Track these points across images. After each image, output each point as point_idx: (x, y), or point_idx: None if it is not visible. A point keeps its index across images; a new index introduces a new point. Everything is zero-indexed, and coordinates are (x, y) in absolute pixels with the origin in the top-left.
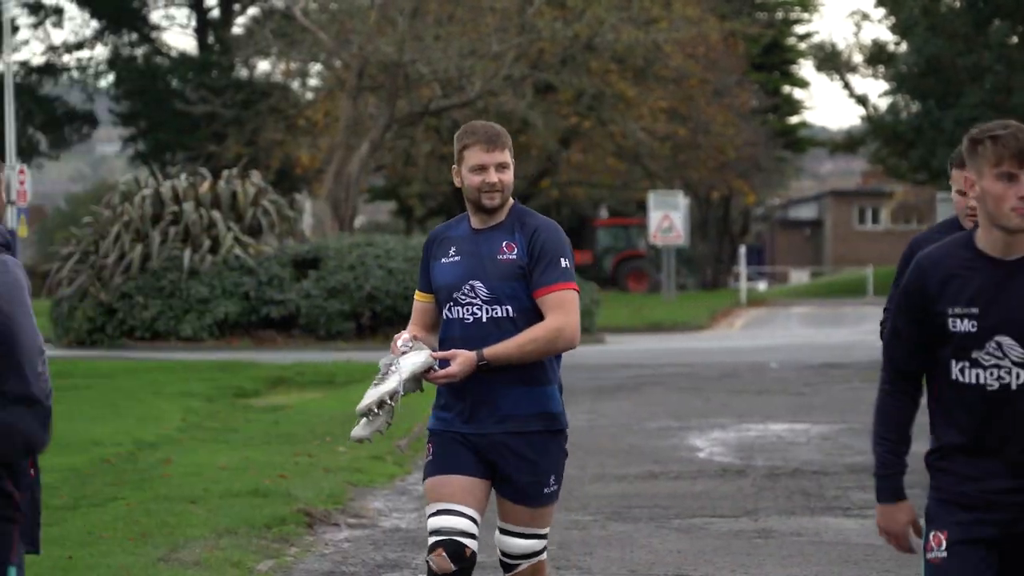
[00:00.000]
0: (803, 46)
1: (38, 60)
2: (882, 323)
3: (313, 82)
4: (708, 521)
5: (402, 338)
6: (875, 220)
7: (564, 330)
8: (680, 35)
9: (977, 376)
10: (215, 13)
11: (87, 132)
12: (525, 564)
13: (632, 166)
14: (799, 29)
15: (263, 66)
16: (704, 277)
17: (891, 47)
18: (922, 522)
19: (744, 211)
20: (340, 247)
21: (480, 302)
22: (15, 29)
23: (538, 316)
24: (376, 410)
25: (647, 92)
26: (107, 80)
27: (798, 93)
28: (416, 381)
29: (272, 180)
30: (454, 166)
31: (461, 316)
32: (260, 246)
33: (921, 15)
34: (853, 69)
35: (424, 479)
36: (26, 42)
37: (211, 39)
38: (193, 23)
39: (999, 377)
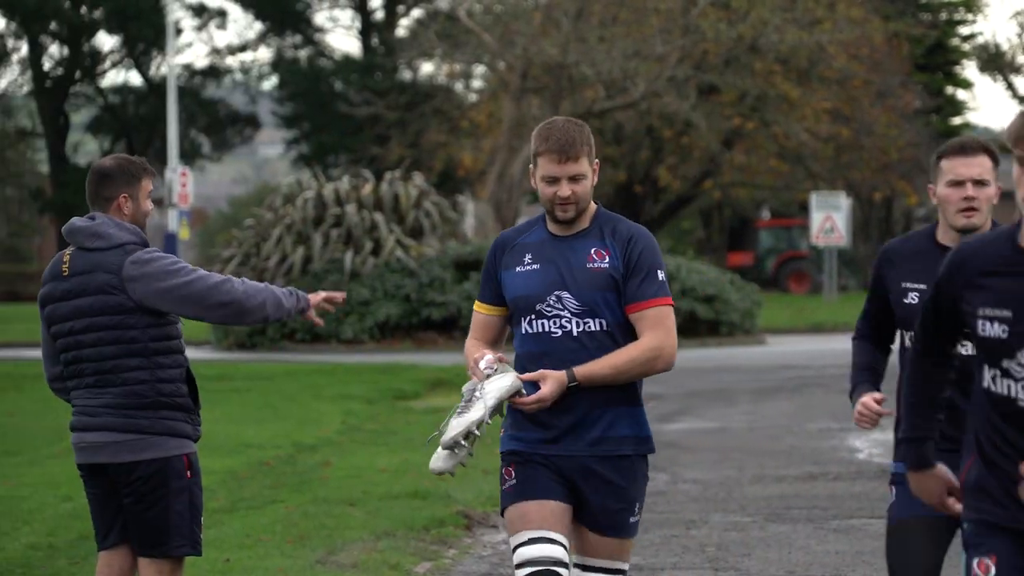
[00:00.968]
0: (967, 47)
1: (202, 63)
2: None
3: (477, 84)
4: (866, 522)
5: (485, 359)
6: None
7: (663, 350)
8: (844, 36)
9: (1009, 388)
10: (379, 15)
11: (249, 134)
12: None
13: (794, 167)
14: (963, 30)
15: (427, 68)
16: (866, 278)
17: None
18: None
19: (906, 212)
20: None
21: (569, 314)
22: (179, 32)
23: (632, 330)
24: (463, 442)
25: (810, 93)
26: (270, 82)
27: (961, 94)
28: (500, 406)
29: (435, 182)
30: (530, 165)
31: (547, 330)
32: (422, 248)
33: None
34: (1017, 70)
35: (505, 506)
36: (190, 44)
37: (375, 41)
38: (357, 25)
39: None
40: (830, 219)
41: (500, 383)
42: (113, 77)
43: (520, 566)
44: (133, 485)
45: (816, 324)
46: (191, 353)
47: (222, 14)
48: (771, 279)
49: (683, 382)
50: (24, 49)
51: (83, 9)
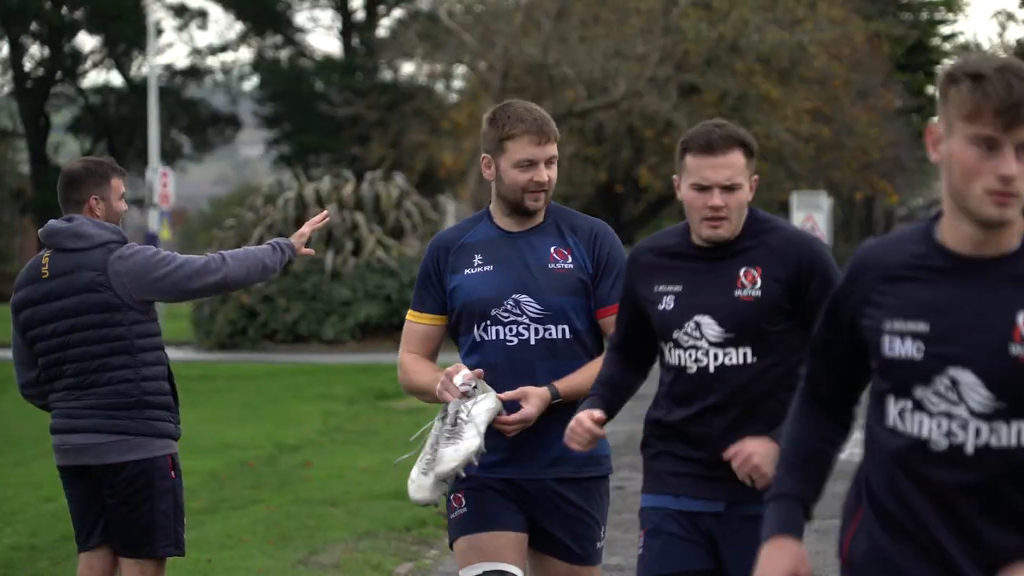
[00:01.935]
0: (948, 47)
1: (182, 63)
2: None
3: (457, 84)
4: None
5: (461, 375)
6: None
7: None
8: (825, 36)
9: (920, 425)
10: (360, 15)
11: (230, 135)
12: None
13: (775, 167)
14: (944, 30)
15: (407, 68)
16: None
17: None
18: None
19: (887, 211)
20: None
21: (528, 320)
22: (159, 32)
23: (596, 338)
24: (462, 472)
25: (791, 93)
26: (251, 83)
27: None
28: None
29: (416, 182)
30: (483, 155)
31: (502, 337)
32: (403, 248)
33: None
34: None
35: (454, 537)
36: (171, 45)
37: (355, 41)
38: (338, 25)
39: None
40: (811, 219)
41: (487, 404)
42: (94, 77)
43: None
44: (118, 486)
45: None
46: (172, 353)
47: (203, 14)
48: None
49: None
50: (5, 49)
51: (64, 9)
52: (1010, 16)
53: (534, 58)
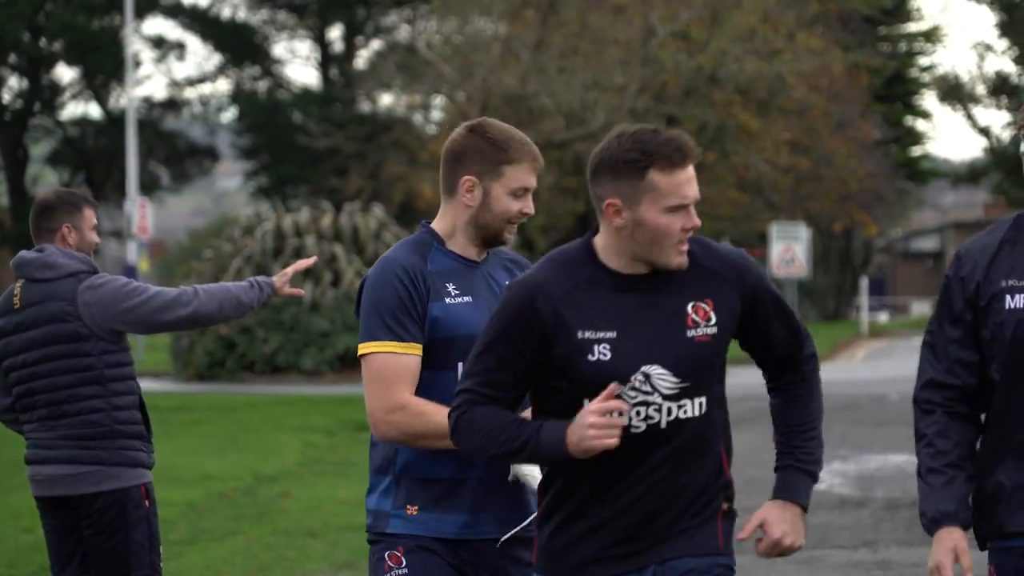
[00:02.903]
0: (926, 78)
1: (161, 95)
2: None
3: (436, 115)
4: (827, 553)
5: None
6: None
7: None
8: (803, 67)
9: None
10: (338, 47)
11: (208, 166)
12: None
13: (754, 198)
14: (923, 61)
15: (386, 100)
16: (826, 309)
17: (1014, 78)
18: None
19: (866, 243)
20: None
21: None
22: (138, 64)
23: None
24: (527, 479)
25: (770, 124)
26: (229, 114)
27: (921, 125)
28: None
29: (394, 213)
30: (467, 177)
31: None
32: None
33: None
34: (976, 100)
35: None
36: (149, 77)
37: (334, 73)
38: (316, 57)
39: None
40: (790, 250)
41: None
42: (72, 109)
43: None
44: (93, 517)
45: None
46: (151, 384)
47: (181, 46)
48: None
49: None
50: None
51: (42, 41)
52: (988, 47)
53: (513, 89)
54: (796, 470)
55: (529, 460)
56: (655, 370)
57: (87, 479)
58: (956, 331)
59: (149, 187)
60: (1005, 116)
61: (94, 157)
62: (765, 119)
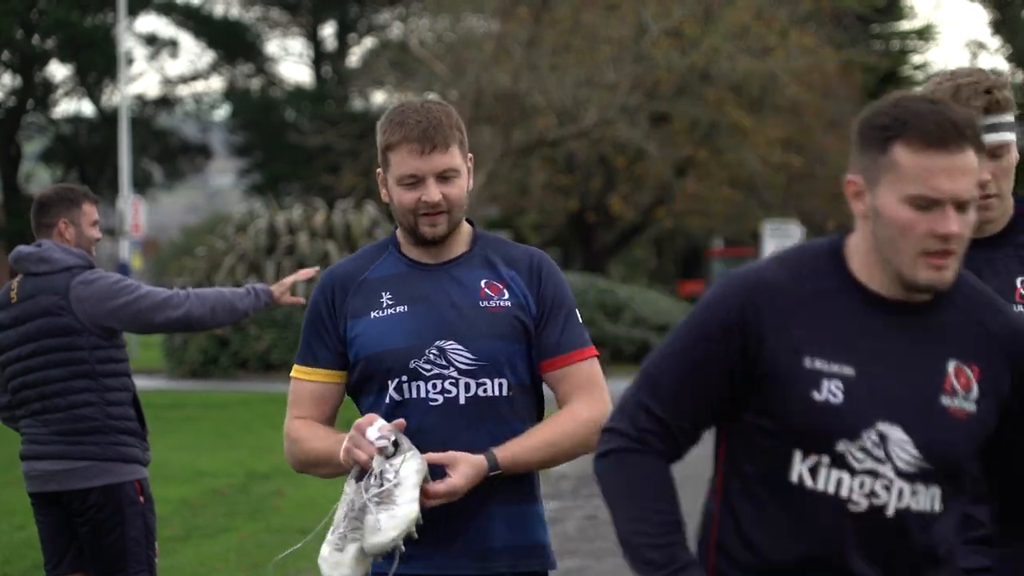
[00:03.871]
0: (920, 76)
1: (154, 92)
2: None
3: None
4: None
5: (376, 427)
6: None
7: (602, 422)
8: (796, 65)
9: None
10: (331, 44)
11: (201, 164)
12: None
13: (747, 196)
14: (916, 59)
15: (378, 97)
16: None
17: (1007, 77)
18: None
19: None
20: None
21: (457, 373)
22: (130, 61)
23: (537, 398)
24: (402, 546)
25: (763, 122)
26: (222, 112)
27: None
28: None
29: (387, 211)
30: (379, 170)
31: (423, 396)
32: None
33: None
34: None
35: None
36: (142, 74)
37: (326, 70)
38: (309, 54)
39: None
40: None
41: (414, 464)
42: (65, 107)
43: None
44: (87, 513)
45: None
46: (144, 382)
47: (174, 43)
48: None
49: None
50: None
51: (35, 38)
52: (981, 45)
53: (505, 86)
54: None
55: None
56: (895, 432)
57: (79, 474)
58: None
59: (142, 184)
60: None
61: (87, 154)
62: (758, 117)
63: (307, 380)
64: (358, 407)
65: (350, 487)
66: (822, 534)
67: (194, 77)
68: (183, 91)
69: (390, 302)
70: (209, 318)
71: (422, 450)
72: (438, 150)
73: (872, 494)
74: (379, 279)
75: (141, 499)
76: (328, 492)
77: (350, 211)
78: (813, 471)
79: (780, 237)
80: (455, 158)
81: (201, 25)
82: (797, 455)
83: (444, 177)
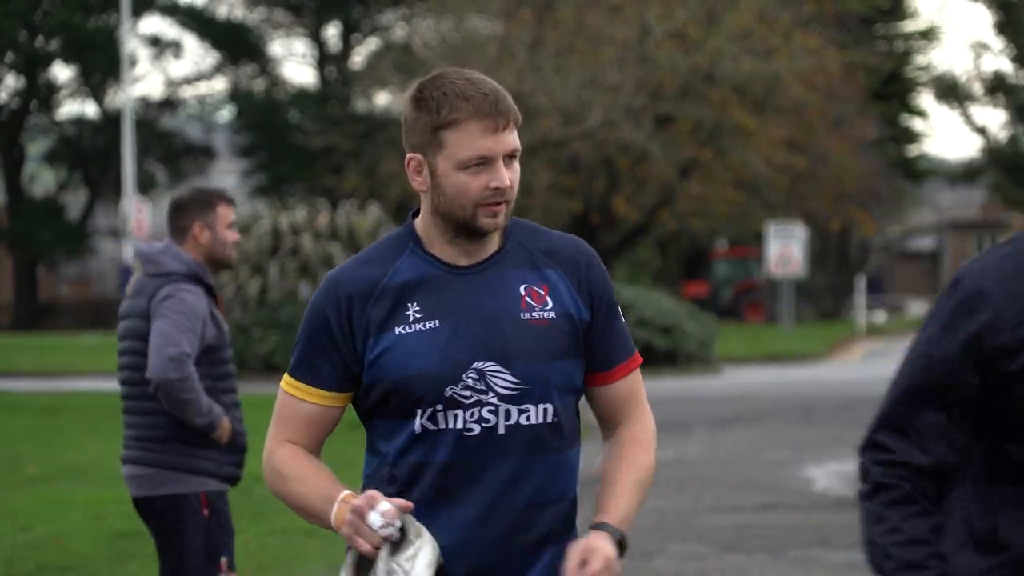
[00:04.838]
0: (923, 77)
1: (157, 93)
2: None
3: None
4: (823, 553)
5: (378, 511)
6: None
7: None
8: (800, 66)
9: None
10: (334, 45)
11: (205, 165)
12: None
13: (751, 197)
14: (919, 60)
15: (382, 98)
16: (823, 308)
17: (1011, 77)
18: None
19: (863, 242)
20: None
21: (496, 400)
22: (134, 63)
23: (575, 421)
24: None
25: (766, 123)
26: (226, 113)
27: (918, 123)
28: None
29: (391, 212)
30: (409, 155)
31: (460, 426)
32: None
33: None
34: (973, 99)
35: None
36: (145, 75)
37: (330, 72)
38: (312, 55)
39: None
40: (787, 249)
41: (426, 557)
42: (69, 108)
43: None
44: (152, 521)
45: (773, 354)
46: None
47: (177, 45)
48: (728, 309)
49: None
50: None
51: (39, 40)
52: (985, 46)
53: (509, 88)
54: None
55: None
56: None
57: (147, 481)
58: None
59: (146, 186)
60: (1002, 115)
61: (91, 156)
62: (761, 118)
63: (302, 399)
64: (369, 431)
65: None
66: None
67: (198, 78)
68: (187, 92)
69: (418, 315)
70: (181, 406)
71: (450, 487)
72: (509, 127)
73: None
74: (402, 285)
75: (205, 512)
76: None
77: (354, 212)
78: None
79: (784, 238)
80: (517, 139)
81: (205, 26)
82: None
83: (510, 159)
